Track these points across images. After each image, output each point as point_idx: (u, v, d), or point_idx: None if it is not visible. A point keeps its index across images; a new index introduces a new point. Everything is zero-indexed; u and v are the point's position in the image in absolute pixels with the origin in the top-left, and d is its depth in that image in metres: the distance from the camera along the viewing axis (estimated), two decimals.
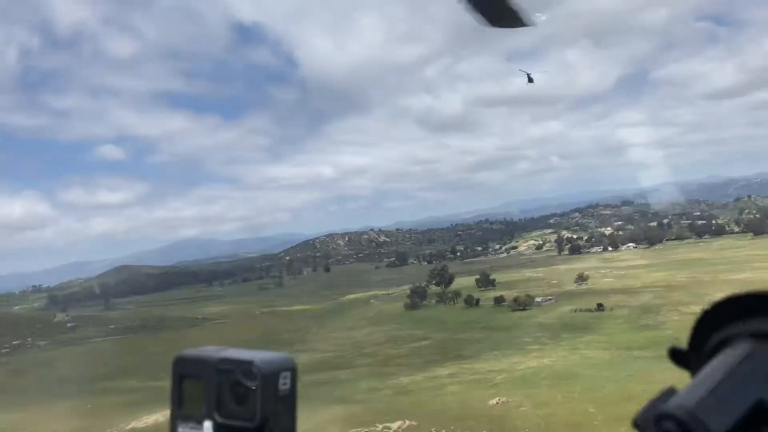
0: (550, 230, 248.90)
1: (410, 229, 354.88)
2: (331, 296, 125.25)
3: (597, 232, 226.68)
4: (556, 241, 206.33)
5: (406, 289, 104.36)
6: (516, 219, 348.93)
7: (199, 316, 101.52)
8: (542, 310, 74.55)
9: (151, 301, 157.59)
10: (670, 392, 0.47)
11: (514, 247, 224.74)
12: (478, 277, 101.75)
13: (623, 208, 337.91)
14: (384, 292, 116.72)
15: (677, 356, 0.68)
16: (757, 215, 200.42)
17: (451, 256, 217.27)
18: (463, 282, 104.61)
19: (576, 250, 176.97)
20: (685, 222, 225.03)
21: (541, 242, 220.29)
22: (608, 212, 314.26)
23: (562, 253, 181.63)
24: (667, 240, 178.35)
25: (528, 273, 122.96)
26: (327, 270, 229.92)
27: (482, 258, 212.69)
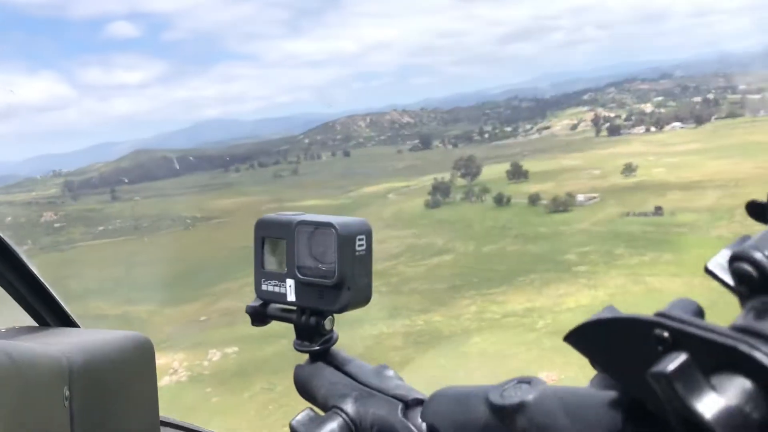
0: (585, 108, 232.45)
1: (435, 108, 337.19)
2: (348, 187, 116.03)
3: (636, 109, 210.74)
4: (592, 120, 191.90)
5: (428, 181, 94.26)
6: (548, 96, 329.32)
7: (199, 215, 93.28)
8: (586, 213, 63.95)
9: (163, 188, 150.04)
10: (745, 238, 0.46)
11: (547, 127, 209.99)
12: (508, 167, 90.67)
13: (662, 81, 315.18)
14: (404, 184, 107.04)
15: (755, 209, 0.64)
16: None
17: (479, 138, 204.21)
18: (492, 172, 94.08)
19: (615, 131, 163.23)
20: (733, 96, 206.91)
21: (576, 122, 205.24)
22: (646, 86, 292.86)
23: (600, 134, 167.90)
24: (716, 118, 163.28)
25: (564, 160, 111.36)
26: (347, 154, 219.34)
27: (512, 140, 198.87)
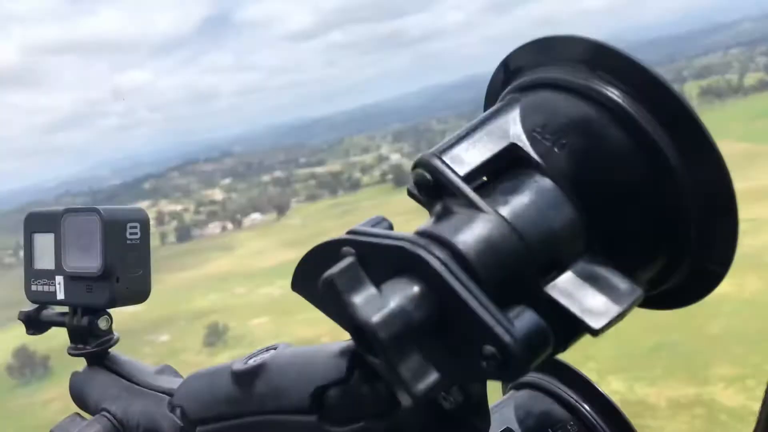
0: (146, 201, 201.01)
1: None
2: None
3: (205, 197, 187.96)
4: (156, 218, 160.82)
5: None
6: (106, 186, 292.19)
7: None
8: None
9: None
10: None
11: None
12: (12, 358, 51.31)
13: (225, 160, 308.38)
14: None
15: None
16: (382, 164, 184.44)
17: (10, 259, 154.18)
18: None
19: (186, 234, 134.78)
20: (302, 171, 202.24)
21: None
22: (210, 168, 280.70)
23: (167, 240, 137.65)
24: (297, 202, 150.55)
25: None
26: None
27: None
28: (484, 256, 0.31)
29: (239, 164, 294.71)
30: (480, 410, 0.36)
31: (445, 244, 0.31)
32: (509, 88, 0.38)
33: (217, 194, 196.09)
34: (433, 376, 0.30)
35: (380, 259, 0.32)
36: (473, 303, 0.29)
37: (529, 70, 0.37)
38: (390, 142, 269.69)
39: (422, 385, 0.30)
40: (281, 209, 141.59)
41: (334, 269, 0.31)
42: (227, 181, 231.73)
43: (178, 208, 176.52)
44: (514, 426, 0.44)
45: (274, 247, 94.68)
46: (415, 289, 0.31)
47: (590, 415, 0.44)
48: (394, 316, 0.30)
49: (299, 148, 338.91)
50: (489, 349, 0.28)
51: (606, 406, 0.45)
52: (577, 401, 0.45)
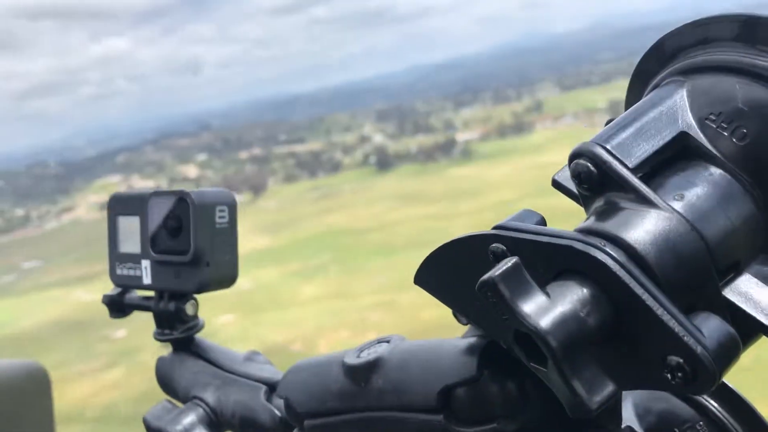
0: (118, 177, 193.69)
1: None
2: None
3: (178, 173, 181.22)
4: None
5: None
6: (85, 155, 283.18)
7: None
8: None
9: None
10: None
11: (70, 209, 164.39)
12: None
13: (203, 135, 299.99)
14: None
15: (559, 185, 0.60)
16: (368, 148, 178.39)
17: None
18: None
19: None
20: (281, 150, 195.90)
21: (106, 198, 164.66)
22: (186, 142, 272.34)
23: None
24: (275, 182, 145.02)
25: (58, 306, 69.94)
26: None
27: (20, 233, 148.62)
28: (664, 257, 0.28)
29: (216, 139, 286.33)
30: (613, 413, 0.34)
31: (618, 243, 0.29)
32: (668, 71, 0.35)
33: (192, 171, 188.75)
34: (609, 388, 0.28)
35: (540, 258, 0.30)
36: (658, 309, 0.27)
37: (686, 53, 0.35)
38: (373, 121, 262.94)
39: (598, 398, 0.28)
40: (257, 190, 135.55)
41: (497, 271, 0.28)
42: (203, 156, 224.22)
43: (150, 184, 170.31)
44: (635, 424, 0.41)
45: (247, 232, 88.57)
46: (587, 292, 0.28)
47: (722, 415, 0.41)
48: (566, 322, 0.27)
49: (279, 125, 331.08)
50: (674, 359, 0.26)
51: (740, 406, 0.41)
52: (705, 399, 0.41)
